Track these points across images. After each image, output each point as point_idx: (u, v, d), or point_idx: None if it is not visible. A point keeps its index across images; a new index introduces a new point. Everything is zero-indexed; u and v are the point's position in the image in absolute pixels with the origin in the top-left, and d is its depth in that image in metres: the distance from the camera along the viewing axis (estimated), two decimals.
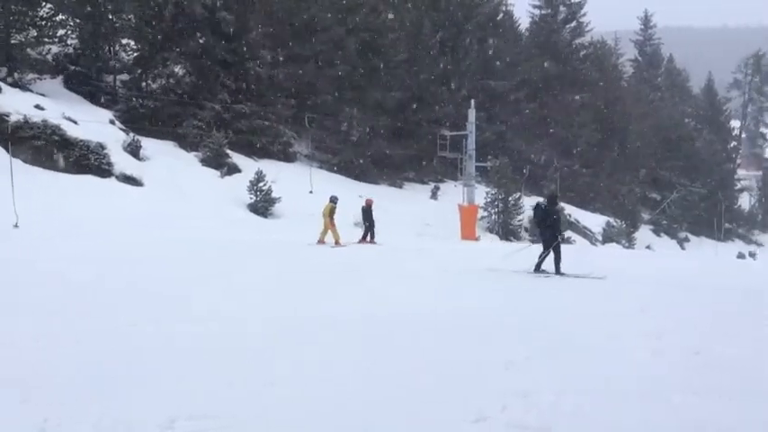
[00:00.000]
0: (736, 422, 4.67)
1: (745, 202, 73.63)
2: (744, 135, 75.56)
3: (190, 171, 26.74)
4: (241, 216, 24.43)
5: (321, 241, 18.13)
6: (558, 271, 12.63)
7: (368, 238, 19.78)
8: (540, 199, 17.03)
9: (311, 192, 26.73)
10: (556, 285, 11.73)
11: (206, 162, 28.07)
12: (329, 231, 18.23)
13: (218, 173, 27.77)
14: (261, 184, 25.78)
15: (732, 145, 72.63)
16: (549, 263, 12.82)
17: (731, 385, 5.60)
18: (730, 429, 4.54)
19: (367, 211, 20.12)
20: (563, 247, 13.11)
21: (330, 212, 18.34)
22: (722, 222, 57.83)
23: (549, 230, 12.85)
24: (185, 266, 11.84)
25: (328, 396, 4.87)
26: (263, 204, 25.69)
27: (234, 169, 28.42)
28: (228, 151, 29.01)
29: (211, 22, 30.72)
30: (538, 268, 12.82)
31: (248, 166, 28.71)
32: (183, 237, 16.40)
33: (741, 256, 51.27)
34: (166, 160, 26.60)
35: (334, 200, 18.79)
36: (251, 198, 25.78)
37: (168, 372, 5.31)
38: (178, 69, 32.32)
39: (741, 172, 78.62)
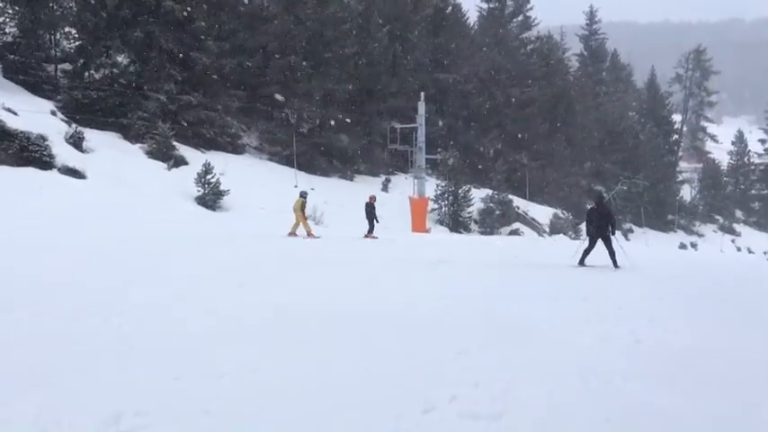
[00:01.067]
0: (676, 406, 4.79)
1: (686, 193, 75.97)
2: (685, 128, 77.82)
3: (135, 163, 26.11)
4: (189, 209, 24.00)
5: (292, 233, 18.42)
6: (615, 264, 13.48)
7: (372, 233, 20.07)
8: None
9: (296, 186, 26.48)
10: (512, 274, 11.87)
11: (152, 154, 27.46)
12: (300, 224, 18.59)
13: (164, 165, 27.21)
14: (209, 177, 25.37)
15: (674, 138, 74.71)
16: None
17: (671, 371, 5.76)
18: (671, 413, 4.66)
19: (369, 208, 20.40)
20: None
21: (301, 207, 18.74)
22: (676, 215, 59.38)
23: (599, 228, 13.67)
24: (128, 260, 11.55)
25: (274, 390, 4.80)
26: (211, 197, 25.28)
27: (181, 161, 27.89)
28: (175, 143, 28.44)
29: (157, 12, 30.02)
30: (582, 262, 13.72)
31: (196, 158, 28.21)
32: (129, 230, 16.01)
33: (683, 246, 53.03)
34: (110, 152, 25.91)
35: (303, 195, 19.13)
36: (198, 191, 25.33)
37: (114, 366, 5.16)
38: (122, 59, 31.46)
39: (682, 165, 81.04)
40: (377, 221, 20.38)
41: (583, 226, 44.10)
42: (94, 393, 4.51)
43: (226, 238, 15.19)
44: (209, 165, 25.56)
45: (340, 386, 4.93)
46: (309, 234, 18.32)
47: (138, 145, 27.92)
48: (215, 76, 32.43)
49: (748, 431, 4.43)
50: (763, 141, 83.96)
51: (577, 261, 13.78)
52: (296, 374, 5.17)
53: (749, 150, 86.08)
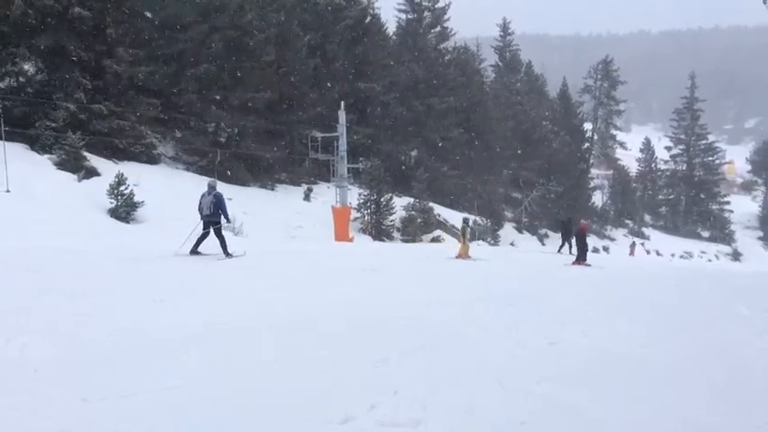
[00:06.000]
0: (588, 406, 4.91)
1: (598, 199, 79.03)
2: (596, 137, 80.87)
3: (43, 175, 24.95)
4: (100, 221, 23.09)
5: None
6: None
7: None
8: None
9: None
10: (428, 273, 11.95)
11: (61, 165, 26.29)
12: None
13: (74, 176, 26.12)
14: (122, 188, 24.50)
15: (586, 146, 77.61)
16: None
17: (584, 372, 5.92)
18: (584, 413, 4.77)
19: None
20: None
21: (463, 232, 21.00)
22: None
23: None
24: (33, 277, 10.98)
25: (186, 405, 4.64)
26: (124, 209, 24.41)
27: (92, 172, 26.84)
28: (86, 153, 27.34)
29: (65, 18, 28.85)
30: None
31: (108, 168, 27.22)
32: (32, 244, 15.23)
33: (595, 250, 55.04)
34: (17, 164, 24.66)
35: (466, 221, 21.50)
36: (111, 202, 24.42)
37: (21, 387, 4.87)
38: (28, 67, 30.06)
39: (594, 171, 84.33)
40: None
41: (501, 232, 45.60)
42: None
43: (140, 251, 14.68)
44: (122, 176, 24.69)
45: (255, 399, 4.81)
46: (462, 256, 19.75)
47: (47, 156, 26.70)
48: (128, 85, 31.41)
49: (656, 429, 4.57)
50: (669, 148, 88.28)
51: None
52: (209, 389, 5.02)
53: (656, 157, 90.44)
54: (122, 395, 4.77)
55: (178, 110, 34.39)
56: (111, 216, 24.18)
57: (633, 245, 52.67)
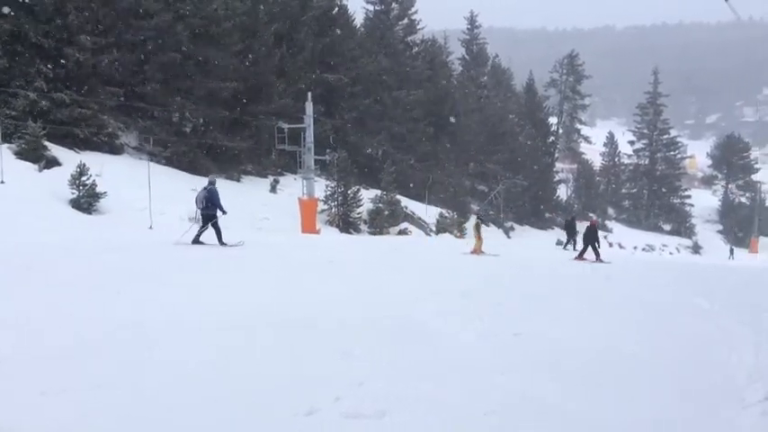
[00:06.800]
0: (551, 396, 4.98)
1: (563, 193, 79.99)
2: (561, 131, 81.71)
3: (2, 164, 24.39)
4: (62, 212, 22.65)
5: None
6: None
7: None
8: None
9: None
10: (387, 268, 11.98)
11: (21, 155, 25.73)
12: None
13: (35, 166, 25.58)
14: (84, 178, 24.06)
15: (551, 140, 78.38)
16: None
17: (547, 362, 6.00)
18: (547, 403, 4.84)
19: None
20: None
21: (476, 227, 21.92)
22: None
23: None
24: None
25: (146, 400, 4.60)
26: (86, 199, 23.98)
27: (53, 162, 26.31)
28: (47, 143, 26.78)
29: (24, 4, 28.16)
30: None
31: (70, 158, 26.70)
32: None
33: (560, 243, 55.70)
34: None
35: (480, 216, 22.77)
36: (73, 193, 23.98)
37: None
38: None
39: (559, 165, 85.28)
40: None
41: (467, 225, 46.39)
42: None
43: (106, 243, 14.46)
44: (83, 166, 24.24)
45: (218, 392, 4.79)
46: (476, 251, 20.41)
47: (6, 145, 26.07)
48: (90, 73, 30.79)
49: (618, 417, 4.66)
50: (632, 143, 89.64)
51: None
52: (170, 382, 4.97)
53: (619, 151, 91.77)
54: (85, 388, 4.70)
55: (142, 99, 33.83)
56: (73, 207, 23.75)
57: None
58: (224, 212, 16.69)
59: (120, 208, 24.32)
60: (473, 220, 22.19)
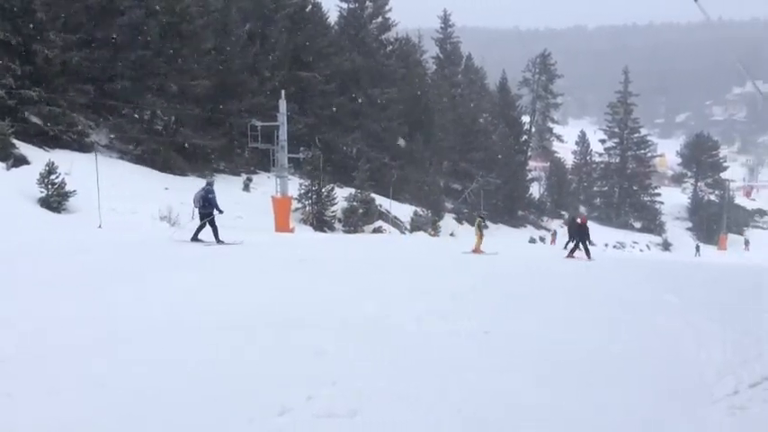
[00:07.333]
0: (522, 392, 5.02)
1: (535, 191, 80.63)
2: (533, 129, 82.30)
3: None
4: (30, 211, 22.28)
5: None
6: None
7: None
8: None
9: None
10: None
11: None
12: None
13: (3, 165, 25.13)
14: (53, 177, 23.68)
15: (524, 138, 78.89)
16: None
17: (519, 360, 6.05)
18: (518, 398, 4.88)
19: None
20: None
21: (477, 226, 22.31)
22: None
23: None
24: None
25: (116, 403, 4.55)
26: (55, 198, 23.60)
27: (22, 161, 25.86)
28: (15, 141, 26.31)
29: None
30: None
31: (38, 157, 26.27)
32: None
33: (532, 240, 56.29)
34: None
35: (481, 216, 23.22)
36: (42, 192, 23.59)
37: None
38: None
39: (532, 163, 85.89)
40: None
41: (441, 223, 46.59)
42: None
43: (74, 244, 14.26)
44: (52, 164, 23.86)
45: (190, 391, 4.75)
46: (476, 250, 20.81)
47: None
48: (60, 70, 30.29)
49: (584, 410, 4.71)
50: (603, 141, 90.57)
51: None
52: (143, 384, 4.93)
53: (591, 150, 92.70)
54: (47, 392, 4.64)
55: (113, 97, 33.38)
56: (42, 206, 23.36)
57: (554, 234, 54.03)
58: (220, 212, 18.01)
59: (90, 207, 23.97)
60: (476, 219, 22.60)
